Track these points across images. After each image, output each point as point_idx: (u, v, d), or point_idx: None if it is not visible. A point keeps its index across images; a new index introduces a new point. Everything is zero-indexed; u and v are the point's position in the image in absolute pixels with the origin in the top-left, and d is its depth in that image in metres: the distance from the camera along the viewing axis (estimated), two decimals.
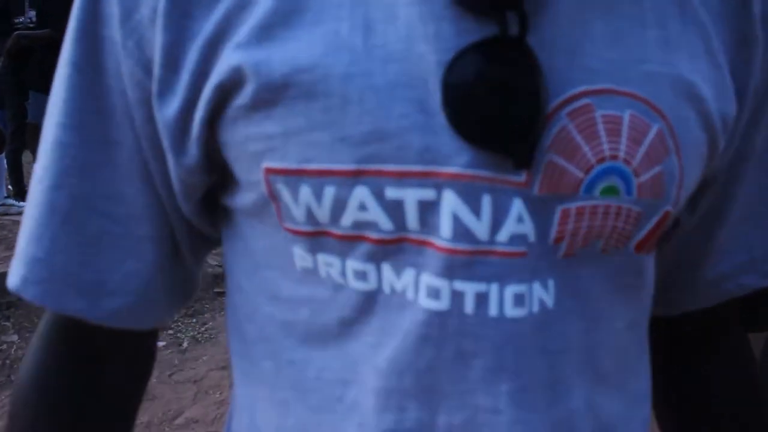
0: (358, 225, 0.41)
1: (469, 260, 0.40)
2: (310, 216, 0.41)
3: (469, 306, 0.41)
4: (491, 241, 0.40)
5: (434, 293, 0.41)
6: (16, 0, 5.08)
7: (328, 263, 0.43)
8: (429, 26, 0.39)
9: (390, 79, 0.39)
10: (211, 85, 0.41)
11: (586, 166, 0.40)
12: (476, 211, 0.39)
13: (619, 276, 0.45)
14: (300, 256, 0.44)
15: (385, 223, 0.40)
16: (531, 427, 0.43)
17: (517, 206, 0.40)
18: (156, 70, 0.43)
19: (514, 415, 0.42)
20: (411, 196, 0.39)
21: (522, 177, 0.39)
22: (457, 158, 0.39)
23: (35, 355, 0.53)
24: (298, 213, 0.41)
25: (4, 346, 3.26)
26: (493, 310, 0.41)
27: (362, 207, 0.40)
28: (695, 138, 0.43)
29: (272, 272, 0.47)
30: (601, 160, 0.40)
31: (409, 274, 0.41)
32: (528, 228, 0.40)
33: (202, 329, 3.60)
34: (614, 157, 0.40)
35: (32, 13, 5.04)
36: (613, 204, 0.41)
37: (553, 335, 0.43)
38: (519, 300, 0.41)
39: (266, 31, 0.40)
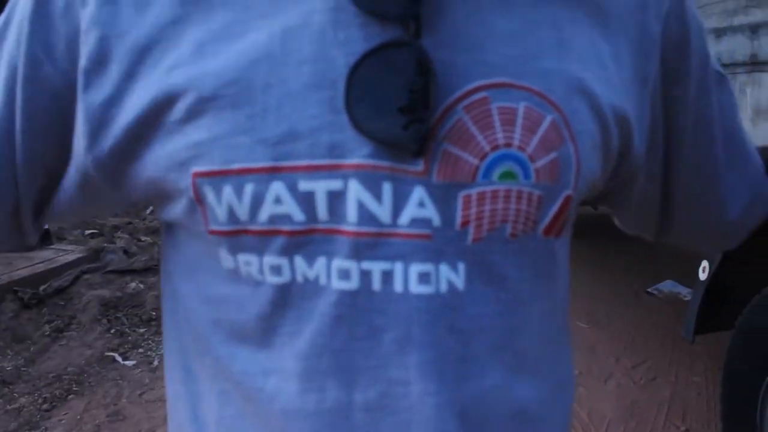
0: (273, 219, 0.44)
1: (374, 241, 0.44)
2: (232, 214, 0.45)
3: (376, 283, 0.45)
4: (393, 224, 0.44)
5: (345, 275, 0.45)
6: None
7: (247, 262, 0.47)
8: (340, 32, 0.43)
9: (304, 81, 0.43)
10: (143, 101, 0.45)
11: (480, 154, 0.44)
12: (378, 197, 0.43)
13: (533, 261, 0.49)
14: (224, 257, 0.48)
15: (298, 214, 0.44)
16: (441, 399, 0.46)
17: (418, 192, 0.44)
18: (83, 58, 0.47)
19: (423, 387, 0.46)
20: (321, 188, 0.44)
21: (420, 166, 0.43)
22: (359, 151, 0.43)
23: None
24: (221, 213, 0.45)
25: None
26: (398, 287, 0.45)
27: (278, 200, 0.44)
28: (588, 129, 0.48)
29: (203, 275, 0.51)
30: (496, 148, 0.44)
31: (320, 263, 0.45)
32: (431, 213, 0.44)
33: None
34: (508, 145, 0.44)
35: None
36: (513, 188, 0.45)
37: (465, 315, 0.46)
38: (424, 278, 0.45)
39: (199, 49, 0.45)
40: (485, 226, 0.45)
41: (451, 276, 0.45)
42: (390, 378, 0.46)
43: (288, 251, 0.45)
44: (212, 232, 0.47)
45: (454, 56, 0.44)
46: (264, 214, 0.45)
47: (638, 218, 0.67)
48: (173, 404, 0.58)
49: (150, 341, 3.58)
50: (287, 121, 0.43)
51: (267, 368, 0.48)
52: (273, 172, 0.44)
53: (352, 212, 0.44)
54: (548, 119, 0.45)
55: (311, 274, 0.45)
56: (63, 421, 2.77)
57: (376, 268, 0.44)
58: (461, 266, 0.45)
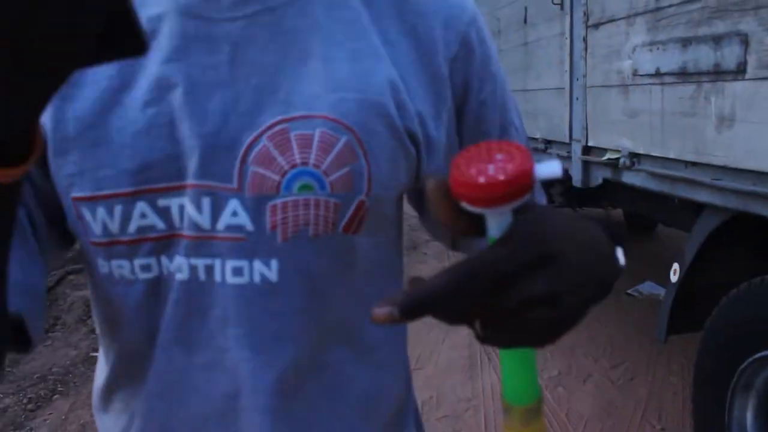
0: (140, 230, 0.56)
1: (198, 243, 0.56)
2: (105, 229, 0.56)
3: (201, 275, 0.57)
4: (212, 229, 0.56)
5: (179, 269, 0.57)
6: None
7: (119, 266, 0.58)
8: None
9: (150, 122, 0.55)
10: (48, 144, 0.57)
11: (281, 172, 0.55)
12: (200, 209, 0.55)
13: (337, 257, 0.60)
14: (101, 264, 0.59)
15: (160, 224, 0.56)
16: (255, 364, 0.59)
17: (233, 205, 0.55)
18: None
19: (239, 354, 0.58)
20: (175, 203, 0.56)
21: (234, 184, 0.55)
22: (191, 174, 0.55)
23: None
24: (97, 228, 0.56)
25: None
26: (217, 278, 0.57)
27: (143, 216, 0.56)
28: (384, 144, 0.58)
29: (92, 278, 0.62)
30: (294, 166, 0.55)
31: (175, 260, 0.57)
32: (244, 220, 0.56)
33: None
34: (305, 164, 0.55)
35: None
36: (311, 197, 0.56)
37: (278, 301, 0.58)
38: (238, 271, 0.57)
39: (62, 91, 0.52)
40: (290, 229, 0.56)
41: (263, 270, 0.57)
42: (218, 346, 0.59)
43: (155, 252, 0.57)
44: (92, 243, 0.58)
45: (260, 99, 0.55)
46: (133, 226, 0.56)
47: (435, 226, 0.72)
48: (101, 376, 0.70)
49: None
50: (141, 154, 0.55)
51: (144, 342, 0.61)
52: (136, 195, 0.55)
53: (186, 221, 0.56)
54: (342, 140, 0.56)
55: (172, 268, 0.58)
56: (48, 421, 2.80)
57: (201, 263, 0.57)
58: (274, 262, 0.57)
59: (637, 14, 2.19)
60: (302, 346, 0.60)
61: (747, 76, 1.66)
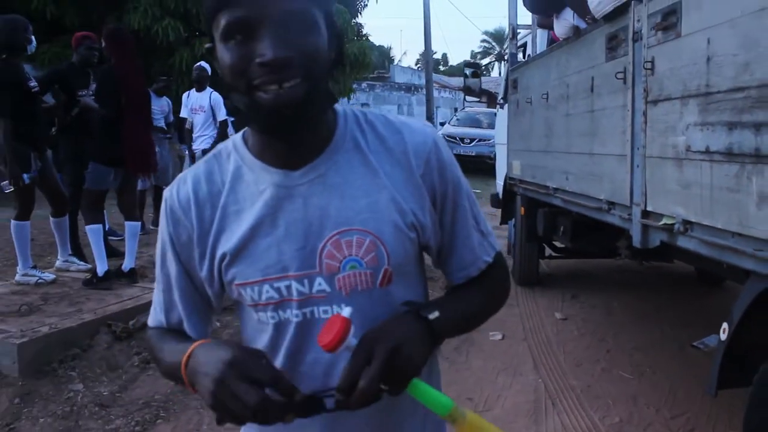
0: (267, 299, 1.01)
1: (304, 301, 1.01)
2: (252, 298, 1.02)
3: (308, 316, 1.01)
4: (310, 293, 1.00)
5: (295, 315, 1.02)
6: (80, 74, 5.58)
7: (260, 316, 1.05)
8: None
9: (269, 245, 1.00)
10: (216, 262, 1.04)
11: (339, 260, 0.99)
12: (302, 284, 1.00)
13: (378, 299, 1.03)
14: (251, 313, 1.07)
15: (276, 296, 1.01)
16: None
17: (318, 280, 1.00)
18: (196, 252, 1.06)
19: (329, 359, 1.01)
20: (283, 284, 1.00)
21: (317, 269, 0.99)
22: (293, 269, 1.00)
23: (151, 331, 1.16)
24: (248, 298, 1.03)
25: (71, 394, 3.56)
26: (316, 316, 1.01)
27: (267, 291, 1.01)
28: (393, 236, 1.01)
29: (243, 320, 1.12)
30: (345, 257, 0.99)
31: (288, 311, 1.02)
32: (324, 287, 1.00)
33: None
34: (350, 255, 0.99)
35: (94, 86, 5.51)
36: (356, 272, 1.00)
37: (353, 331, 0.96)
38: (326, 312, 1.01)
39: (227, 230, 1.04)
40: (349, 288, 1.01)
41: (340, 311, 0.97)
42: (316, 355, 1.02)
43: (276, 309, 1.02)
44: (247, 304, 1.06)
45: (322, 223, 0.99)
46: (264, 297, 1.02)
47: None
48: None
49: None
50: (265, 262, 1.00)
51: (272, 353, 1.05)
52: (263, 282, 1.01)
53: (294, 292, 1.01)
54: (368, 240, 1.00)
55: (287, 316, 1.02)
56: None
57: (306, 311, 1.01)
58: (345, 307, 0.97)
59: (690, 96, 2.42)
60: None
61: None
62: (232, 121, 9.12)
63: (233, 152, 1.06)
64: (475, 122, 18.08)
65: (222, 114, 8.30)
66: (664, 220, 2.64)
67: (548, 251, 6.07)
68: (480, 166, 14.65)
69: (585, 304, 5.54)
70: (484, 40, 52.99)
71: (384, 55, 46.63)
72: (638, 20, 2.90)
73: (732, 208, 2.15)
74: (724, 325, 2.31)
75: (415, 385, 0.95)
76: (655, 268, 6.35)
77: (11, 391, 3.53)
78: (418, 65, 50.63)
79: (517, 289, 5.94)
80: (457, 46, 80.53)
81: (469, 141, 16.79)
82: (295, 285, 0.99)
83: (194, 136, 8.16)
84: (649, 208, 2.84)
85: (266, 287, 1.00)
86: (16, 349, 3.71)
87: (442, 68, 58.88)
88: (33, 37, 5.02)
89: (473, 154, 16.02)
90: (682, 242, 2.55)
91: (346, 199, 1.00)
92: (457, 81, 26.63)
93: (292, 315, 1.02)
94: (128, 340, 4.19)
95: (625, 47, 3.05)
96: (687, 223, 2.48)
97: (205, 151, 8.12)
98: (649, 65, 2.74)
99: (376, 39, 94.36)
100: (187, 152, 8.45)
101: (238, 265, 1.01)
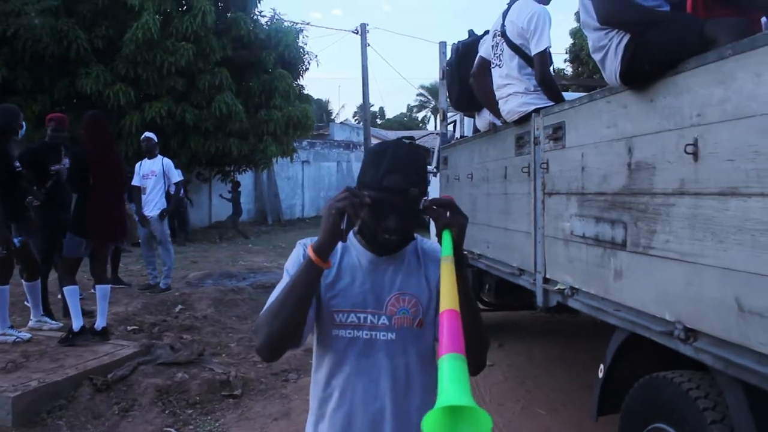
0: (350, 322, 1.69)
1: (372, 326, 1.69)
2: (341, 320, 1.70)
3: (373, 337, 1.69)
4: (377, 324, 1.69)
5: (364, 335, 1.69)
6: (52, 151, 6.14)
7: (340, 333, 1.70)
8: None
9: (353, 284, 1.71)
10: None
11: (396, 308, 1.69)
12: (374, 317, 1.69)
13: (415, 332, 1.70)
14: (335, 330, 1.71)
15: (355, 320, 1.69)
16: (390, 366, 1.70)
17: (383, 317, 1.69)
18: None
19: (385, 362, 1.70)
20: (361, 316, 1.70)
21: (383, 311, 1.69)
22: (371, 307, 1.70)
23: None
24: (338, 320, 1.69)
25: None
26: (376, 338, 1.69)
27: (350, 319, 1.69)
28: (425, 300, 1.71)
29: (323, 336, 1.75)
30: (399, 308, 1.69)
31: (362, 332, 1.69)
32: (386, 321, 1.68)
33: (216, 425, 4.47)
34: (402, 307, 1.69)
35: (66, 161, 6.08)
36: (404, 316, 1.69)
37: (396, 345, 1.69)
38: (384, 335, 1.68)
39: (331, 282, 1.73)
40: (399, 324, 1.68)
41: (391, 335, 1.67)
42: (375, 362, 1.69)
43: (354, 329, 1.68)
44: (332, 324, 1.69)
45: (389, 288, 1.70)
46: (349, 320, 1.68)
47: None
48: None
49: (197, 419, 4.50)
50: (352, 301, 1.69)
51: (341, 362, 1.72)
52: (350, 312, 1.68)
53: (368, 320, 1.68)
54: (413, 301, 1.69)
55: (359, 334, 1.68)
56: None
57: (372, 333, 1.68)
58: (392, 332, 1.67)
59: (572, 193, 3.20)
60: (402, 363, 1.68)
61: (628, 248, 2.66)
62: (181, 181, 9.72)
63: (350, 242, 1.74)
64: None
65: (175, 176, 8.93)
66: (558, 286, 3.41)
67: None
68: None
69: (510, 352, 6.24)
70: (420, 94, 54.55)
71: (322, 109, 47.70)
72: (537, 128, 3.69)
73: (600, 279, 2.92)
74: (601, 365, 3.06)
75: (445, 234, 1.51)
76: (573, 318, 7.16)
77: None
78: (356, 118, 51.86)
79: None
80: (394, 98, 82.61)
81: None
82: (369, 317, 1.66)
83: (145, 199, 8.69)
84: (548, 276, 3.58)
85: (352, 314, 1.66)
86: (11, 401, 4.19)
87: (379, 121, 60.26)
88: (24, 124, 5.63)
89: None
90: (571, 303, 3.31)
91: (405, 276, 1.70)
92: (395, 134, 27.53)
93: (363, 334, 1.66)
94: (107, 391, 4.71)
95: (528, 148, 3.84)
96: (573, 289, 3.23)
97: (162, 215, 8.69)
98: (545, 165, 3.54)
99: (315, 92, 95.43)
100: (135, 213, 8.95)
101: (337, 297, 1.67)
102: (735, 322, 1.99)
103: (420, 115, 59.27)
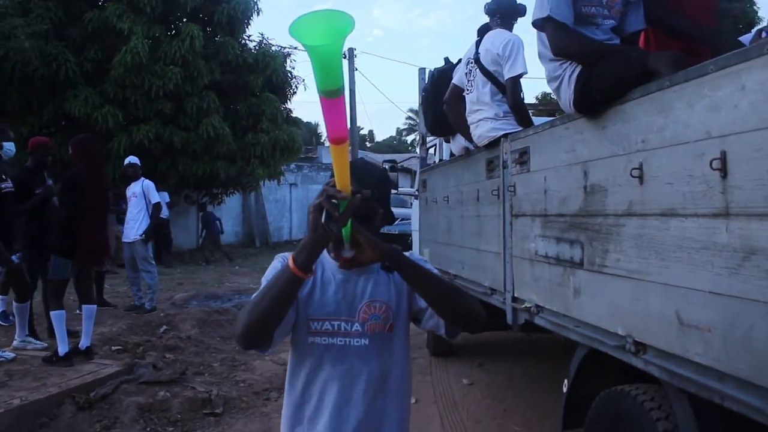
0: (324, 329, 1.83)
1: (345, 333, 1.82)
2: (316, 329, 1.83)
3: (346, 343, 1.82)
4: (351, 331, 1.82)
5: (338, 341, 1.82)
6: (36, 175, 6.26)
7: (314, 340, 1.83)
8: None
9: (330, 297, 1.84)
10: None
11: (368, 315, 1.82)
12: (347, 324, 1.82)
13: (385, 336, 1.84)
14: (309, 338, 1.83)
15: (331, 328, 1.82)
16: (362, 372, 1.83)
17: (357, 324, 1.82)
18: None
19: (359, 367, 1.83)
20: (335, 324, 1.83)
21: (356, 318, 1.82)
22: (344, 315, 1.83)
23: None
24: (314, 327, 1.82)
25: None
26: (350, 344, 1.82)
27: (325, 327, 1.82)
28: (398, 304, 1.86)
29: (298, 343, 1.87)
30: (371, 315, 1.82)
31: (336, 339, 1.82)
32: (358, 328, 1.82)
33: None
34: (373, 314, 1.82)
35: (50, 182, 6.20)
36: (376, 322, 1.82)
37: (369, 350, 1.83)
38: (357, 341, 1.82)
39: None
40: (371, 330, 1.81)
41: (364, 341, 1.81)
42: (347, 367, 1.82)
43: (328, 336, 1.81)
44: (307, 331, 1.81)
45: (360, 297, 1.83)
46: (325, 328, 1.81)
47: (431, 325, 1.86)
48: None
49: None
50: (327, 310, 1.81)
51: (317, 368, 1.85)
52: (325, 320, 1.81)
53: (342, 328, 1.81)
54: (384, 307, 1.83)
55: (333, 341, 1.81)
56: None
57: (345, 340, 1.81)
58: (365, 338, 1.81)
59: (536, 215, 3.35)
60: (377, 367, 1.81)
61: (584, 267, 2.80)
62: (167, 203, 9.83)
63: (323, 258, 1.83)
64: (399, 202, 19.05)
65: (154, 198, 9.05)
66: (525, 304, 3.54)
67: None
68: (400, 243, 15.51)
69: (490, 371, 6.36)
70: (408, 117, 55.06)
71: (311, 132, 47.95)
72: (506, 153, 3.85)
73: (561, 297, 3.06)
74: (565, 380, 3.18)
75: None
76: (549, 336, 7.28)
77: None
78: None
79: (431, 359, 6.77)
80: (384, 121, 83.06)
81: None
82: (343, 324, 1.79)
83: (127, 219, 8.86)
84: (516, 295, 3.71)
85: (326, 323, 1.79)
86: None
87: (368, 144, 60.62)
88: (13, 144, 5.75)
89: (396, 232, 16.71)
90: (537, 320, 3.43)
91: (375, 284, 1.83)
92: (382, 157, 27.72)
93: (337, 341, 1.79)
94: (90, 410, 4.79)
95: (498, 171, 3.99)
96: (538, 307, 3.37)
97: (146, 239, 8.81)
98: (512, 188, 3.68)
99: (304, 115, 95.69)
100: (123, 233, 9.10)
101: (313, 306, 1.79)
102: (676, 334, 2.13)
103: (409, 138, 59.74)
